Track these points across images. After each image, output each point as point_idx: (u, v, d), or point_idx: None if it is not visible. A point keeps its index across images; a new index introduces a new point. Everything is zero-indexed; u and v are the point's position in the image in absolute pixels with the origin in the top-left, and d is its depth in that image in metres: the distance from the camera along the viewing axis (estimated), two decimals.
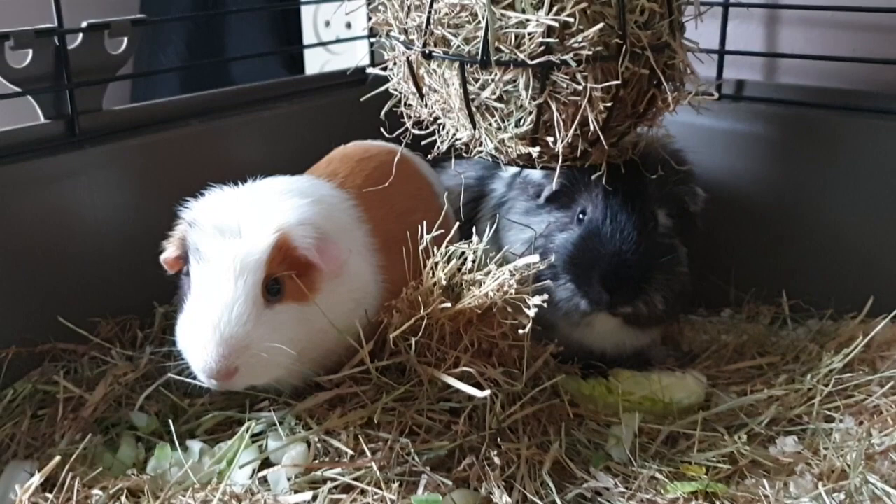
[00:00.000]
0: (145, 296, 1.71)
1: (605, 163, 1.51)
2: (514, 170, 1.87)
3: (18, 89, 1.61)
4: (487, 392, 1.33)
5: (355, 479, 1.29)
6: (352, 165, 1.64)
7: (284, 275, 1.33)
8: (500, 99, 1.39)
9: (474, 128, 1.43)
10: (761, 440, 1.49)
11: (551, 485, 1.34)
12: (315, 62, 2.79)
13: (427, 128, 1.54)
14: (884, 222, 1.79)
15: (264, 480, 1.31)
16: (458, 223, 1.68)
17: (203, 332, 1.28)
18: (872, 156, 1.80)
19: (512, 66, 1.35)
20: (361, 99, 1.58)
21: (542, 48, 1.33)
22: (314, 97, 2.10)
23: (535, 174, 1.73)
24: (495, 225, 1.54)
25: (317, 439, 1.34)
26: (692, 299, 1.87)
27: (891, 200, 1.78)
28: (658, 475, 1.39)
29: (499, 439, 1.40)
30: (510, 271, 1.40)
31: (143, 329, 1.72)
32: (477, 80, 1.39)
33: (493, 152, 1.46)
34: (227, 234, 1.34)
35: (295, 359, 1.33)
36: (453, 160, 1.53)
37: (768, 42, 2.02)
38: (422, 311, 1.40)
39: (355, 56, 2.32)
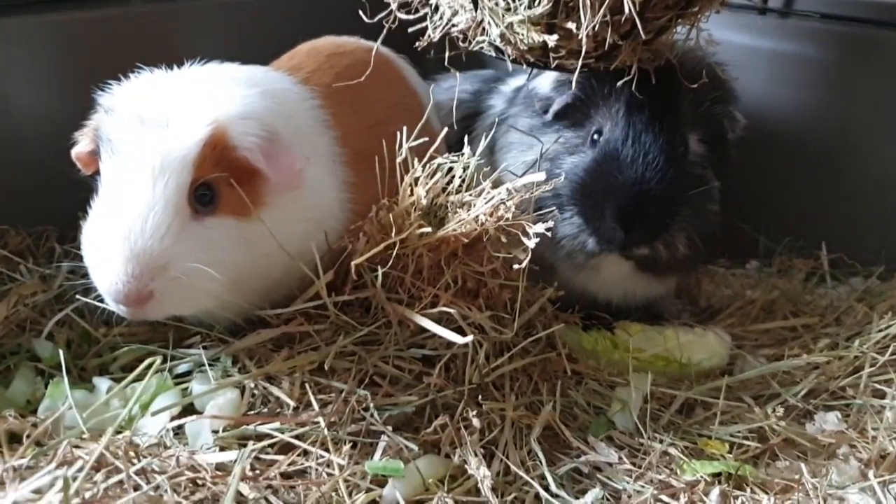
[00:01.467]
0: (67, 203, 1.41)
1: (636, 66, 1.21)
2: (516, 83, 1.57)
3: None
4: (470, 338, 1.06)
5: (297, 437, 1.03)
6: (320, 60, 1.35)
7: (219, 179, 1.05)
8: None
9: (476, 8, 1.13)
10: (796, 414, 1.24)
11: (540, 455, 1.10)
12: None
13: (416, 11, 1.24)
14: None
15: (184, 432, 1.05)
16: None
17: (109, 246, 1.00)
18: None
19: None
20: None
21: None
22: None
23: (543, 86, 1.44)
24: (488, 139, 1.26)
25: (253, 385, 1.08)
26: (713, 248, 1.60)
27: None
28: (672, 450, 1.14)
29: (480, 397, 1.14)
30: (507, 191, 1.12)
31: (62, 243, 1.44)
32: None
33: (498, 42, 1.17)
34: (151, 125, 1.05)
35: (229, 286, 1.06)
36: (447, 57, 1.23)
37: None
38: (394, 236, 1.12)
39: None
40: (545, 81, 1.44)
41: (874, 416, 1.22)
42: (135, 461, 0.95)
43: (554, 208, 1.30)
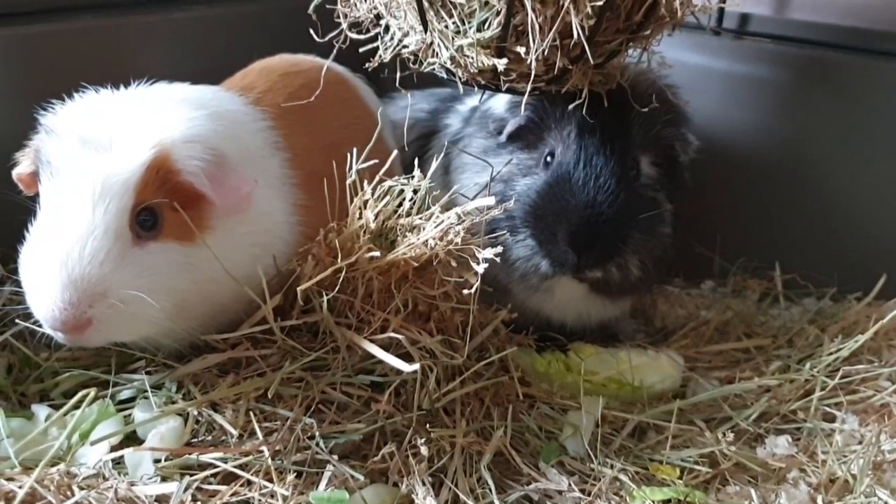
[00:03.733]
0: (11, 225, 1.38)
1: (586, 89, 1.21)
2: (473, 103, 1.57)
3: None
4: (416, 366, 1.04)
5: (240, 467, 1.01)
6: (273, 80, 1.33)
7: (162, 204, 1.03)
8: None
9: (426, 29, 1.13)
10: (748, 438, 1.24)
11: (490, 483, 1.08)
12: None
13: (367, 31, 1.23)
14: None
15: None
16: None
17: (46, 271, 0.97)
18: (894, 108, 1.52)
19: None
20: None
21: None
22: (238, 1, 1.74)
23: (497, 106, 1.43)
24: (439, 160, 1.25)
25: (197, 412, 1.05)
26: (671, 267, 1.60)
27: None
28: (623, 476, 1.13)
29: (430, 423, 1.13)
30: (457, 215, 1.10)
31: (5, 264, 1.40)
32: None
33: (449, 64, 1.16)
34: (92, 147, 1.03)
35: (172, 312, 1.04)
36: (398, 79, 1.22)
37: None
38: (340, 260, 1.11)
39: None
40: (500, 102, 1.44)
41: (824, 439, 1.22)
42: (69, 494, 0.92)
43: (507, 231, 1.29)
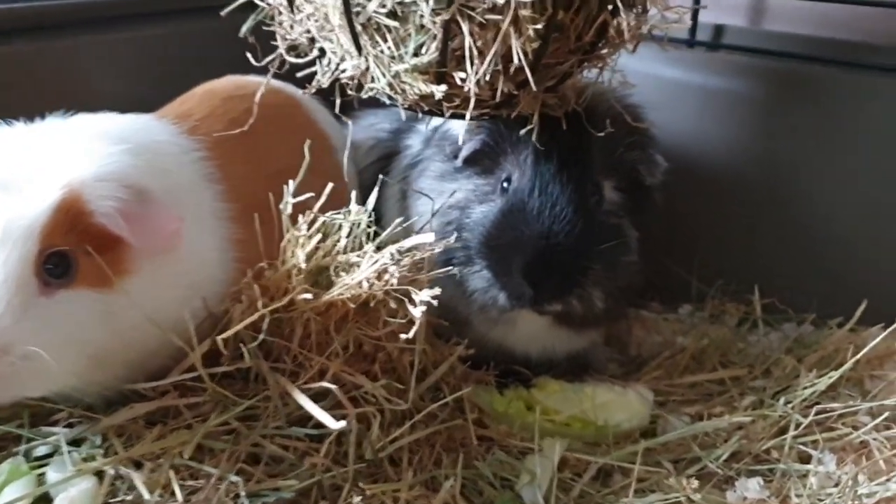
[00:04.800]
0: None
1: (537, 114, 1.14)
2: (436, 122, 1.49)
3: None
4: (342, 424, 0.97)
5: None
6: (214, 105, 1.26)
7: (75, 249, 0.95)
8: (393, 14, 1.01)
9: (360, 53, 1.05)
10: (717, 481, 1.16)
11: None
12: None
13: (305, 55, 1.15)
14: (886, 208, 1.45)
15: None
16: (353, 190, 1.29)
17: None
18: (875, 122, 1.45)
19: None
20: (222, 13, 1.18)
21: None
22: (181, 20, 1.66)
23: (455, 128, 1.36)
24: (386, 186, 1.17)
25: (114, 471, 0.98)
26: (644, 292, 1.53)
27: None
28: None
29: (374, 476, 1.05)
30: (392, 254, 1.03)
31: None
32: None
33: (387, 90, 1.08)
34: (2, 188, 0.95)
35: (90, 364, 0.97)
36: (338, 104, 1.14)
37: None
38: (274, 301, 1.03)
39: None
40: (458, 123, 1.36)
41: (798, 481, 1.15)
42: None
43: (462, 262, 1.22)
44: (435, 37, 1.01)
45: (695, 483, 1.10)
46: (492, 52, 0.99)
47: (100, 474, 0.99)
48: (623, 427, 1.25)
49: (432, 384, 1.19)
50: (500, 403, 1.24)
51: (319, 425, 1.05)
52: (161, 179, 1.05)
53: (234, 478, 0.98)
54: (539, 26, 0.99)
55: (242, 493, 0.96)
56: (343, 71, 1.11)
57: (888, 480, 1.12)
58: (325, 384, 1.01)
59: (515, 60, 0.99)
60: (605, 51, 1.11)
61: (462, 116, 1.12)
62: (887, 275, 1.47)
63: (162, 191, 1.04)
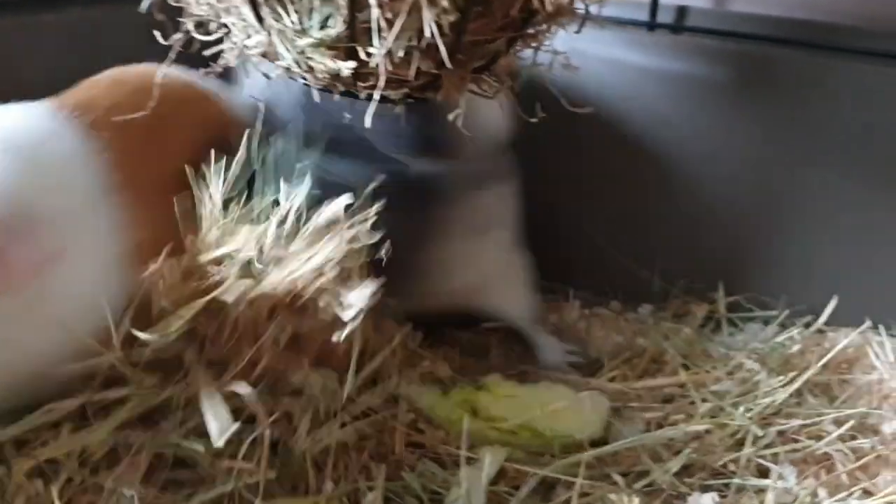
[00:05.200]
0: None
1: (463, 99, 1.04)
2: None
3: None
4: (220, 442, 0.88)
5: None
6: (123, 94, 1.14)
7: None
8: None
9: (262, 26, 0.96)
10: (667, 497, 1.07)
11: None
12: None
13: (213, 32, 1.06)
14: (853, 196, 1.35)
15: None
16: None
17: None
18: (847, 109, 1.36)
19: None
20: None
21: None
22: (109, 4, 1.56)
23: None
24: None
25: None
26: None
27: (869, 169, 1.34)
28: None
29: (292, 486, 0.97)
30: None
31: None
32: None
33: (295, 67, 0.98)
34: None
35: None
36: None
37: None
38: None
39: None
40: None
41: (754, 496, 1.05)
42: None
43: None
44: (340, 8, 0.92)
45: (636, 500, 1.00)
46: (398, 24, 0.89)
47: None
48: (576, 437, 1.15)
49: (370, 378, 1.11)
50: (443, 408, 1.15)
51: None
52: (41, 192, 0.93)
53: (126, 492, 0.88)
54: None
55: None
56: (249, 48, 1.02)
57: (849, 496, 1.02)
58: (234, 388, 0.92)
59: (427, 34, 0.89)
60: (535, 29, 1.02)
61: (385, 99, 1.02)
62: (859, 271, 1.37)
63: (44, 204, 0.92)
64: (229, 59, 1.05)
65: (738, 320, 1.46)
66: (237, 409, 0.97)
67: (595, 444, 1.17)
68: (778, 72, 1.42)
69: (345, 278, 1.05)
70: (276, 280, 1.02)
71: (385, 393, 1.14)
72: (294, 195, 1.07)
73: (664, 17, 1.54)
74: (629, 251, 1.53)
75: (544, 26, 1.04)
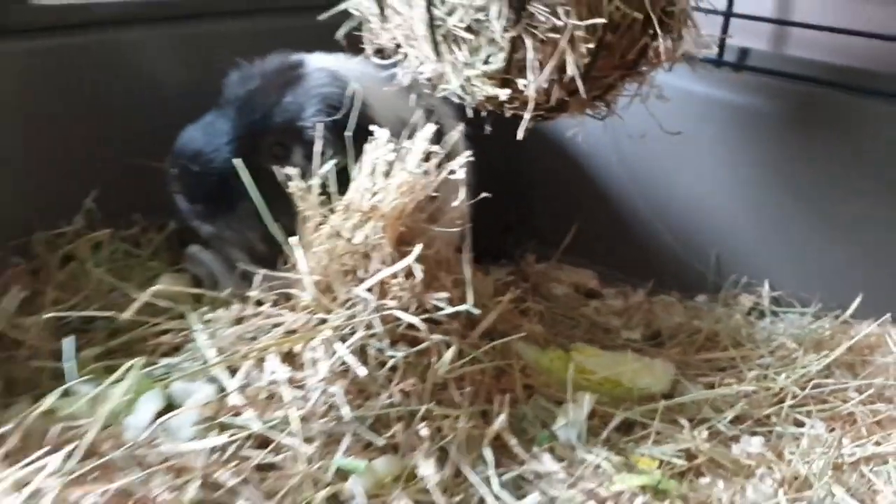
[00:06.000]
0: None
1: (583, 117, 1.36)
2: None
3: None
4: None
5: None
6: None
7: None
8: (469, 29, 1.23)
9: (439, 60, 1.27)
10: (723, 438, 1.37)
11: (489, 461, 1.21)
12: None
13: (390, 56, 1.38)
14: (883, 218, 1.64)
15: None
16: None
17: None
18: (880, 145, 1.65)
19: None
20: (320, 17, 1.41)
21: None
22: (274, 16, 1.87)
23: None
24: None
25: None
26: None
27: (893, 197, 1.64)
28: (605, 464, 1.26)
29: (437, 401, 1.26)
30: None
31: None
32: (444, 3, 1.23)
33: (459, 91, 1.30)
34: None
35: None
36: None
37: (780, 8, 1.85)
38: None
39: None
40: None
41: (792, 442, 1.35)
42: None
43: None
44: (502, 49, 1.23)
45: (704, 434, 1.31)
46: (550, 65, 1.21)
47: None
48: (648, 389, 1.45)
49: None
50: (544, 360, 1.46)
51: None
52: None
53: (333, 389, 1.18)
54: (591, 45, 1.20)
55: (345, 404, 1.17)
56: (422, 73, 1.34)
57: (867, 443, 1.32)
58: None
59: (569, 72, 1.21)
60: (644, 68, 1.33)
61: (520, 117, 1.34)
62: (882, 275, 1.66)
63: None
64: (403, 80, 1.37)
65: (780, 312, 1.75)
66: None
67: (665, 397, 1.47)
68: (826, 110, 1.71)
69: None
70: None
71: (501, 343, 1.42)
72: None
73: (729, 56, 1.84)
74: (689, 250, 1.84)
75: (647, 67, 1.35)
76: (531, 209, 2.04)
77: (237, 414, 1.18)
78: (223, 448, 1.13)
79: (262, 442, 1.16)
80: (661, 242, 1.88)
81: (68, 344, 1.22)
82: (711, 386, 1.49)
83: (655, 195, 1.88)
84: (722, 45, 1.81)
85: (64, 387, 1.19)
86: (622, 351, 1.57)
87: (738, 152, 1.79)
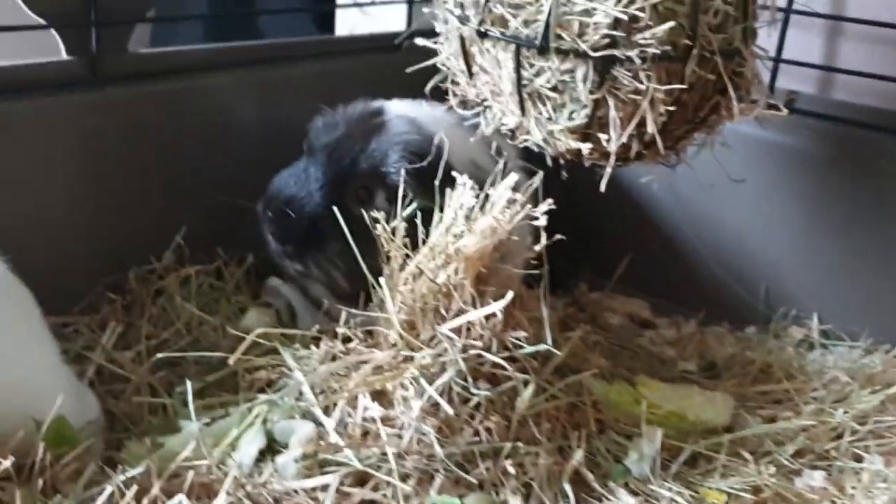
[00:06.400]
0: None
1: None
2: None
3: (43, 21, 1.51)
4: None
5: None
6: None
7: None
8: (554, 89, 1.31)
9: (523, 115, 1.35)
10: (786, 471, 1.43)
11: (571, 496, 1.28)
12: (346, 23, 2.70)
13: (472, 108, 1.46)
14: None
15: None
16: None
17: None
18: None
19: (572, 56, 1.26)
20: (408, 70, 1.49)
21: (607, 40, 1.25)
22: (343, 59, 1.98)
23: None
24: None
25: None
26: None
27: None
28: (678, 498, 1.33)
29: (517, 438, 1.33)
30: None
31: None
32: (532, 66, 1.31)
33: (541, 143, 1.38)
34: None
35: None
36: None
37: (827, 55, 1.93)
38: None
39: (389, 20, 2.22)
40: None
41: (853, 476, 1.41)
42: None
43: None
44: (585, 107, 1.31)
45: (772, 469, 1.38)
46: (632, 123, 1.29)
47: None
48: (710, 423, 1.52)
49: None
50: (613, 393, 1.53)
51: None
52: None
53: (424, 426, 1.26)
54: (669, 106, 1.28)
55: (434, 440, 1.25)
56: (504, 124, 1.42)
57: None
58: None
59: (649, 130, 1.28)
60: (713, 121, 1.41)
61: (598, 166, 1.42)
62: None
63: None
64: (486, 130, 1.44)
65: (829, 345, 1.82)
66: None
67: (726, 430, 1.54)
68: (868, 153, 1.79)
69: None
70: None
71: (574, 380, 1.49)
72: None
73: (777, 99, 1.91)
74: (739, 282, 1.91)
75: (719, 120, 1.43)
76: (586, 240, 2.11)
77: (336, 451, 1.25)
78: (324, 486, 1.20)
79: (359, 479, 1.24)
80: (711, 273, 1.96)
81: (183, 386, 1.30)
82: (770, 419, 1.56)
83: (707, 228, 1.96)
84: (771, 89, 1.89)
85: (195, 430, 1.27)
86: (682, 384, 1.64)
87: (787, 190, 1.86)
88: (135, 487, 1.06)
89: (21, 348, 1.15)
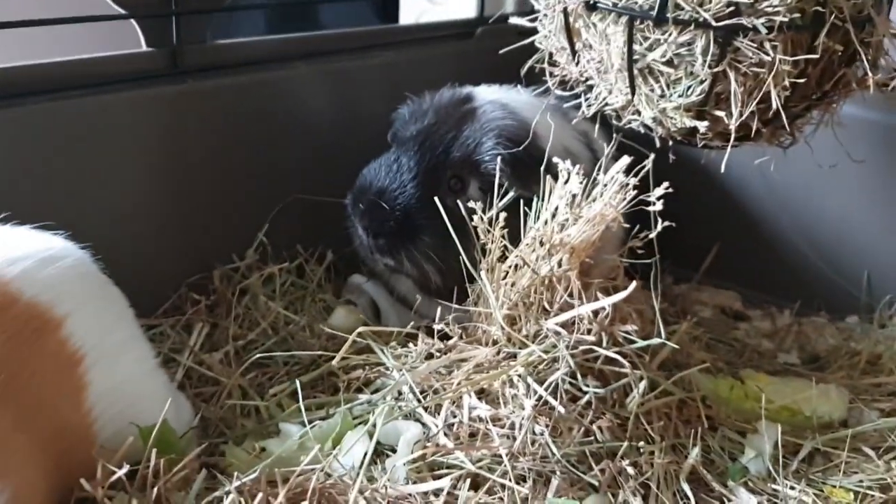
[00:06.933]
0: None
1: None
2: None
3: (123, 12, 1.46)
4: None
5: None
6: None
7: None
8: (669, 63, 1.23)
9: (633, 93, 1.27)
10: None
11: (690, 495, 1.21)
12: (411, 12, 2.63)
13: (571, 89, 1.38)
14: None
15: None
16: None
17: None
18: None
19: (692, 27, 1.18)
20: (501, 52, 1.42)
21: (730, 9, 1.17)
22: (416, 47, 1.92)
23: None
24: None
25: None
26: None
27: None
28: (805, 497, 1.25)
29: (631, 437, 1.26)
30: None
31: None
32: (646, 39, 1.23)
33: (650, 123, 1.30)
34: None
35: None
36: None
37: None
38: None
39: (453, 9, 2.16)
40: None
41: None
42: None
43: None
44: (703, 82, 1.23)
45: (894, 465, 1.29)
46: (753, 97, 1.20)
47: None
48: (826, 418, 1.44)
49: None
50: (724, 389, 1.45)
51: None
52: None
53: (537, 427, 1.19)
54: (794, 79, 1.20)
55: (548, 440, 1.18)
56: (609, 104, 1.34)
57: None
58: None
59: (773, 105, 1.20)
60: (835, 97, 1.32)
61: (710, 147, 1.34)
62: None
63: None
64: (588, 111, 1.37)
65: None
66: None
67: (843, 424, 1.45)
68: None
69: None
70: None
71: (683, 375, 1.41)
72: None
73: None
74: (837, 269, 1.81)
75: (840, 96, 1.34)
76: (671, 230, 2.03)
77: (447, 453, 1.18)
78: (436, 490, 1.14)
79: (472, 482, 1.17)
80: (806, 262, 1.86)
81: (276, 387, 1.25)
82: (887, 412, 1.47)
83: (801, 214, 1.86)
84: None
85: (295, 432, 1.22)
86: (788, 376, 1.56)
87: (889, 170, 1.76)
88: (260, 495, 0.99)
89: (121, 352, 1.10)
